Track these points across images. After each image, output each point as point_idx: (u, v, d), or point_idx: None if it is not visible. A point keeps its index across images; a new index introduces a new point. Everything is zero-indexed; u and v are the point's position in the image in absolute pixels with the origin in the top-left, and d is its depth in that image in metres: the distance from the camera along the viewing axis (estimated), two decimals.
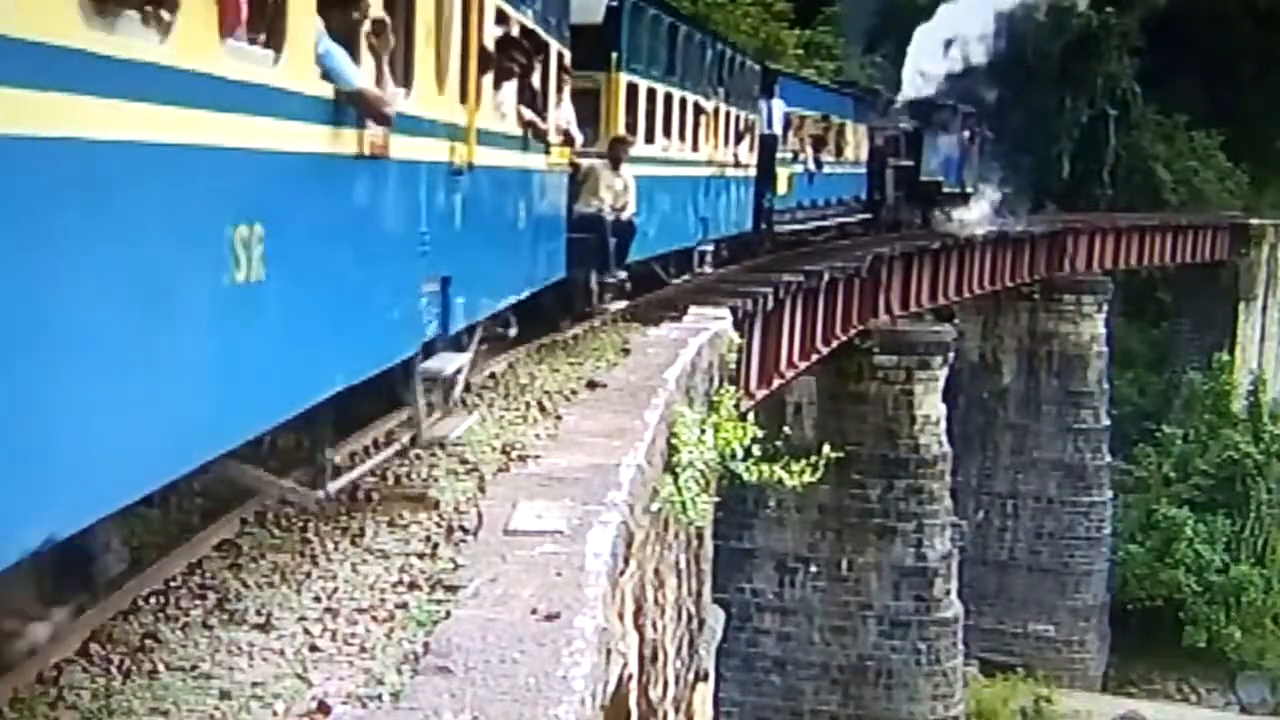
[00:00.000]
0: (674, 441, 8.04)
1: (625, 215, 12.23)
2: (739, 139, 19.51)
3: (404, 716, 3.77)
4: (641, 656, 6.71)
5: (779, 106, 22.43)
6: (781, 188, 22.53)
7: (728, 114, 18.65)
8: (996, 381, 40.17)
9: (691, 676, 9.37)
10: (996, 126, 43.09)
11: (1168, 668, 41.86)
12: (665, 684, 7.81)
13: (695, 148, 16.80)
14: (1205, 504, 42.82)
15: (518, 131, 8.91)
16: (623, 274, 12.37)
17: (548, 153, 9.93)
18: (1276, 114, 54.26)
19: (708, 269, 17.73)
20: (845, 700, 27.82)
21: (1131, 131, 54.14)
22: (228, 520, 5.43)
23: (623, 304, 12.67)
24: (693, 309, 13.27)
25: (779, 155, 22.27)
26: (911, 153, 32.32)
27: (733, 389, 11.25)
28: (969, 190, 36.31)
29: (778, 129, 22.31)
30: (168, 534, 5.27)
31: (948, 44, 33.76)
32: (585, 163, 11.90)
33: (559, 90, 10.53)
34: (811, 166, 24.74)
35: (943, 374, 28.77)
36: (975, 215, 34.83)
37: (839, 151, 27.62)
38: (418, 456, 6.72)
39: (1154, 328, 53.83)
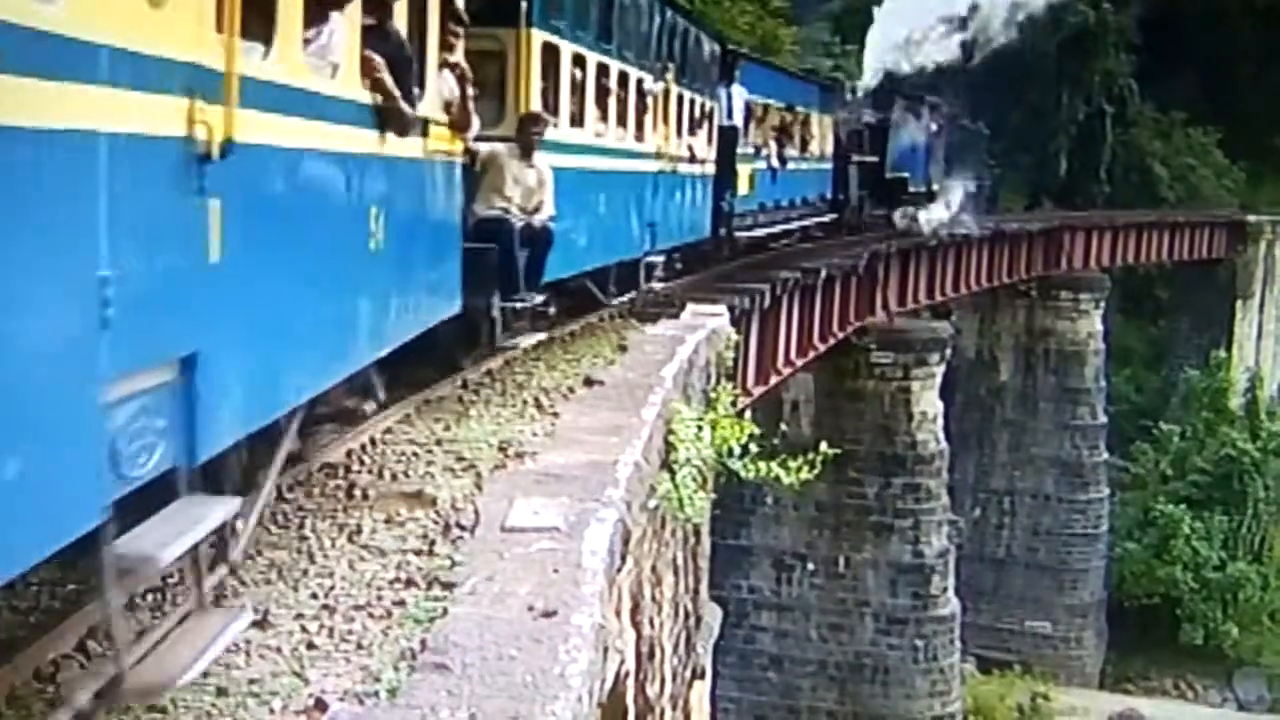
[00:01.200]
0: (671, 439, 8.04)
1: (540, 219, 9.60)
2: (694, 129, 16.49)
3: (401, 714, 3.77)
4: (639, 653, 6.71)
5: (740, 94, 19.61)
6: (743, 187, 19.79)
7: (680, 97, 15.48)
8: (994, 378, 40.22)
9: (688, 674, 9.37)
10: (994, 124, 42.89)
11: (1165, 665, 41.88)
12: (662, 681, 7.82)
13: (640, 136, 13.65)
14: (1202, 501, 42.88)
15: (364, 97, 5.83)
16: (538, 296, 9.65)
17: (425, 134, 6.92)
18: (1274, 111, 54.35)
19: (657, 284, 14.61)
20: (842, 697, 27.83)
21: (1129, 129, 54.26)
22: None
23: (539, 336, 10.00)
24: (690, 306, 13.27)
25: (740, 150, 19.48)
26: (876, 148, 29.83)
27: (730, 386, 11.23)
28: (935, 188, 33.91)
29: (739, 120, 19.50)
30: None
31: (935, 32, 31.39)
32: (485, 149, 9.24)
33: (444, 45, 7.59)
34: (775, 163, 22.19)
35: (940, 371, 28.76)
36: (938, 214, 32.37)
37: (804, 145, 24.91)
38: None
39: (1151, 325, 53.93)
